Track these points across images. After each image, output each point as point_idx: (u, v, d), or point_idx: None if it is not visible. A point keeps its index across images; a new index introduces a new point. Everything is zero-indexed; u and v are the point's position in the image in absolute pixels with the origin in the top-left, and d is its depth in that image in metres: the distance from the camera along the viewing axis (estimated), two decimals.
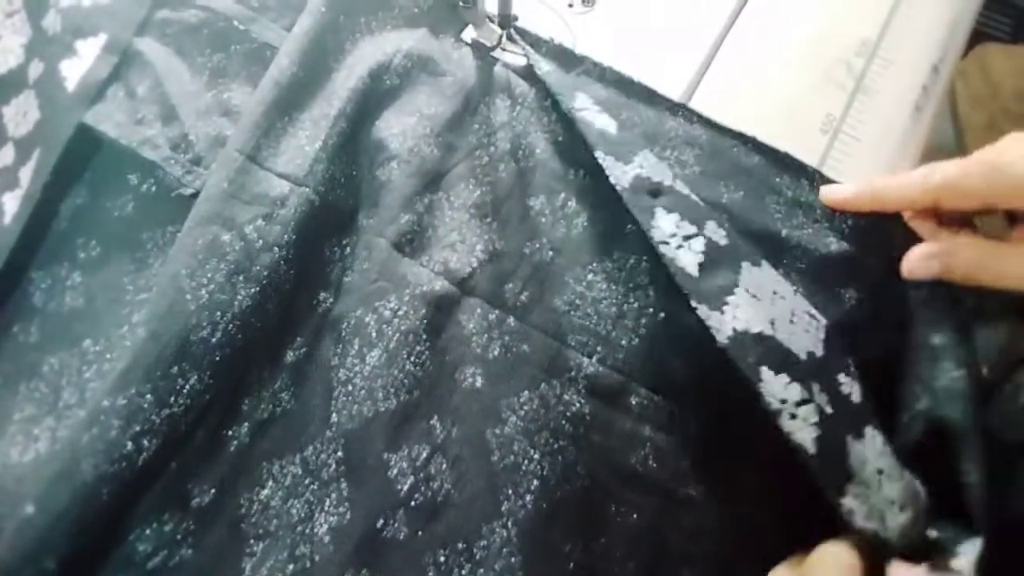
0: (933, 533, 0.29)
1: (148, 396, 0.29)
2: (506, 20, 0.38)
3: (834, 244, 0.36)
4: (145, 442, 0.29)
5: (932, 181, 0.33)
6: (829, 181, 0.37)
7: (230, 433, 0.32)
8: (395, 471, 0.32)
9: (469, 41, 0.40)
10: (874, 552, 0.28)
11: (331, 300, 0.35)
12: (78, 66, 0.36)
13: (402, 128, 0.37)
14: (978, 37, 1.08)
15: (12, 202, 0.35)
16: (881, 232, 0.35)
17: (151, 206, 0.36)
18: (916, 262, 0.34)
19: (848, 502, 0.28)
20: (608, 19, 0.43)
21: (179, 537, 0.31)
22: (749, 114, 0.39)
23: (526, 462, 0.31)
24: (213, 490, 0.31)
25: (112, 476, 0.29)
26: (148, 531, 0.30)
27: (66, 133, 0.35)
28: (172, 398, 0.30)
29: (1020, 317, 0.48)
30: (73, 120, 0.35)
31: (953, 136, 0.85)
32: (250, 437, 0.32)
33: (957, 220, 0.34)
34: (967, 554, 0.28)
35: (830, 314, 0.35)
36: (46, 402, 0.33)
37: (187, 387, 0.30)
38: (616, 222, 0.35)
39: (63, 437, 0.31)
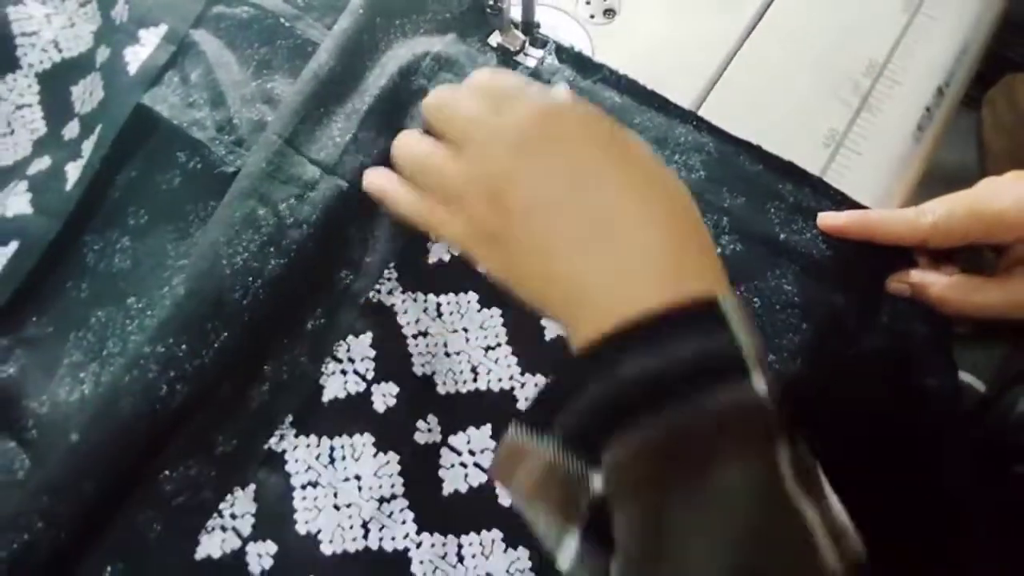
0: None
1: (184, 347, 0.32)
2: (529, 27, 0.41)
3: (828, 250, 0.38)
4: (178, 387, 0.32)
5: (922, 224, 0.36)
6: (831, 189, 0.39)
7: (253, 392, 0.35)
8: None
9: (495, 45, 0.43)
10: None
11: (352, 278, 0.38)
12: (140, 53, 0.40)
13: None
14: (1012, 66, 1.08)
15: (74, 171, 0.39)
16: (872, 242, 0.37)
17: (196, 181, 0.39)
18: (894, 284, 0.37)
19: None
20: (627, 31, 0.45)
21: (202, 481, 0.34)
22: (755, 125, 0.41)
23: None
24: (235, 441, 0.35)
25: (147, 415, 0.32)
26: (175, 473, 0.33)
27: (125, 112, 0.39)
28: (204, 351, 0.33)
29: (1015, 338, 0.50)
30: (132, 101, 0.39)
31: (977, 162, 0.85)
32: (270, 396, 0.36)
33: (943, 252, 0.36)
34: None
35: (820, 315, 0.37)
36: (92, 350, 0.36)
37: (218, 342, 0.33)
38: None
39: (106, 381, 0.35)
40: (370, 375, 0.36)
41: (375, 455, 0.34)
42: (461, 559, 0.32)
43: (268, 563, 0.33)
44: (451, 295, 0.37)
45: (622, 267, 0.27)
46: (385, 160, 0.39)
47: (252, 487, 0.34)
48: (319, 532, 0.33)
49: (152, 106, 0.39)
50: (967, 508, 0.36)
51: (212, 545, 0.33)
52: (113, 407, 0.32)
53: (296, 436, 0.35)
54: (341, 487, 0.34)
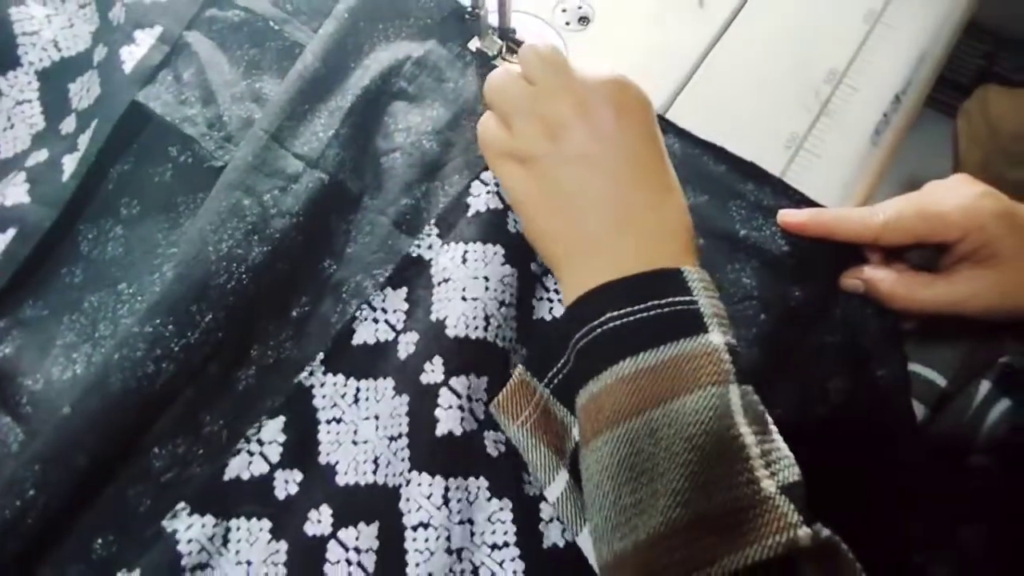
0: None
1: (170, 327, 0.34)
2: (506, 33, 0.44)
3: (785, 246, 0.40)
4: (164, 365, 0.34)
5: (873, 222, 0.38)
6: (790, 189, 0.41)
7: (239, 374, 0.37)
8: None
9: (473, 50, 0.45)
10: None
11: (335, 267, 0.40)
12: (135, 52, 0.42)
13: (407, 124, 0.42)
14: (998, 81, 1.11)
15: (71, 163, 0.41)
16: (828, 240, 0.39)
17: (186, 174, 0.42)
18: (847, 280, 0.39)
19: None
20: (600, 37, 0.48)
21: (190, 459, 0.36)
22: (721, 128, 0.43)
23: None
24: (221, 421, 0.36)
25: (135, 391, 0.34)
26: (164, 450, 0.35)
27: (121, 109, 0.41)
28: (189, 331, 0.35)
29: (976, 336, 0.52)
30: (127, 98, 0.41)
31: (951, 172, 0.88)
32: (256, 379, 0.37)
33: (895, 250, 0.39)
34: None
35: (778, 308, 0.39)
36: (85, 332, 0.38)
37: (203, 323, 0.35)
38: None
39: (97, 361, 0.37)
40: (399, 325, 0.38)
41: (393, 398, 0.36)
42: (446, 502, 0.33)
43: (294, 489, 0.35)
44: (479, 244, 0.37)
45: (618, 240, 0.32)
46: (365, 154, 0.41)
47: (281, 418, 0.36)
48: (337, 463, 0.36)
49: (146, 103, 0.41)
50: (918, 490, 0.38)
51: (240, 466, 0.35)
52: (103, 383, 0.33)
53: (324, 374, 0.37)
54: (361, 424, 0.36)
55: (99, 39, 0.43)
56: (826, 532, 0.27)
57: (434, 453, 0.34)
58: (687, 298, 0.30)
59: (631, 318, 0.29)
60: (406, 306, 0.38)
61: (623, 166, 0.33)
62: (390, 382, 0.37)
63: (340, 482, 0.35)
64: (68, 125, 0.43)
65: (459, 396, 0.34)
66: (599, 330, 0.30)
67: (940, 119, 1.14)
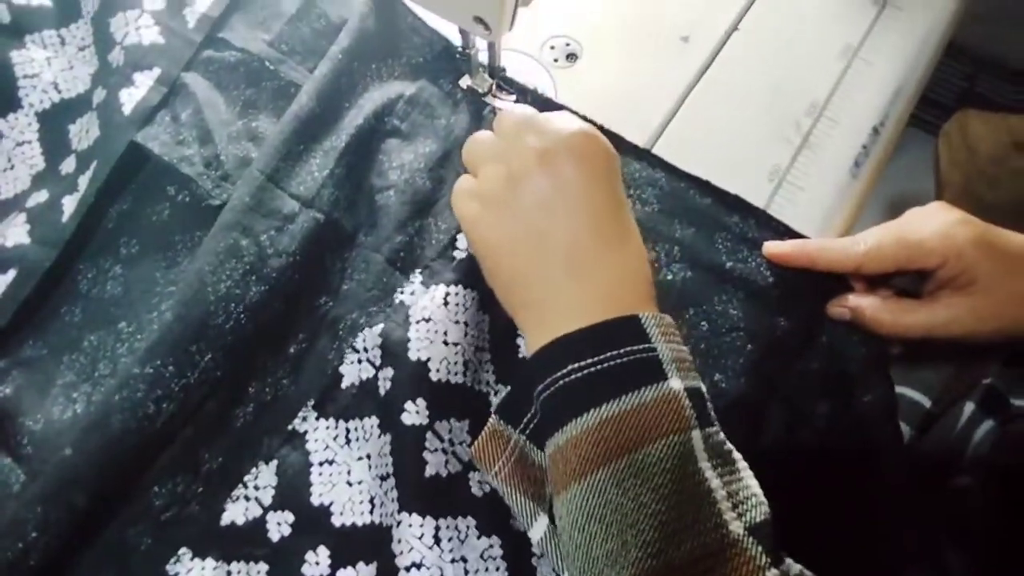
0: None
1: (170, 367, 0.35)
2: (495, 71, 0.45)
3: (771, 277, 0.41)
4: (164, 405, 0.35)
5: (855, 251, 0.39)
6: (774, 221, 0.43)
7: (237, 411, 0.38)
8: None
9: (464, 88, 0.46)
10: None
11: (331, 303, 0.40)
12: (134, 94, 0.43)
13: (400, 162, 0.43)
14: (980, 102, 1.13)
15: (70, 204, 0.41)
16: (813, 270, 0.41)
17: (184, 214, 0.42)
18: (833, 308, 0.40)
19: None
20: (587, 74, 0.49)
21: (188, 496, 0.36)
22: (705, 161, 0.44)
23: None
24: (220, 458, 0.37)
25: (136, 431, 0.34)
26: (163, 489, 0.36)
27: (120, 149, 0.42)
28: (189, 371, 0.35)
29: (961, 358, 0.53)
30: (126, 139, 0.42)
31: (934, 194, 0.90)
32: (254, 416, 0.38)
33: (878, 278, 0.40)
34: None
35: (764, 337, 0.40)
36: (84, 371, 0.39)
37: (202, 363, 0.36)
38: None
39: (97, 400, 0.37)
40: (377, 361, 0.38)
41: (379, 436, 0.37)
42: (438, 541, 0.34)
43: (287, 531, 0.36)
44: (460, 287, 0.39)
45: (577, 289, 0.32)
46: (359, 192, 0.42)
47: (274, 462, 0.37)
48: (331, 504, 0.36)
49: (144, 143, 0.42)
50: (905, 512, 0.39)
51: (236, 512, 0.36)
52: (104, 423, 0.34)
53: (317, 419, 0.38)
54: (355, 465, 0.37)
55: (98, 81, 0.44)
56: (796, 569, 0.28)
57: (423, 494, 0.34)
58: (645, 346, 0.30)
59: (592, 369, 0.30)
60: (380, 340, 0.38)
61: (582, 215, 0.33)
62: (375, 420, 0.37)
63: (336, 523, 0.36)
64: (68, 166, 0.43)
65: (442, 440, 0.35)
66: (561, 382, 0.30)
67: (924, 138, 1.16)
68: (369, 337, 0.39)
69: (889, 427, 0.40)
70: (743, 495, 0.29)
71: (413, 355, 0.36)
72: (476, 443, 0.34)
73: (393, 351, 0.37)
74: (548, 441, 0.31)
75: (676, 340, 0.32)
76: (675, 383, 0.30)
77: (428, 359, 0.36)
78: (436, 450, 0.35)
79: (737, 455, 0.30)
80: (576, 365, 0.30)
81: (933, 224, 0.38)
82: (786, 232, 0.42)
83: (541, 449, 0.32)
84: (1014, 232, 0.38)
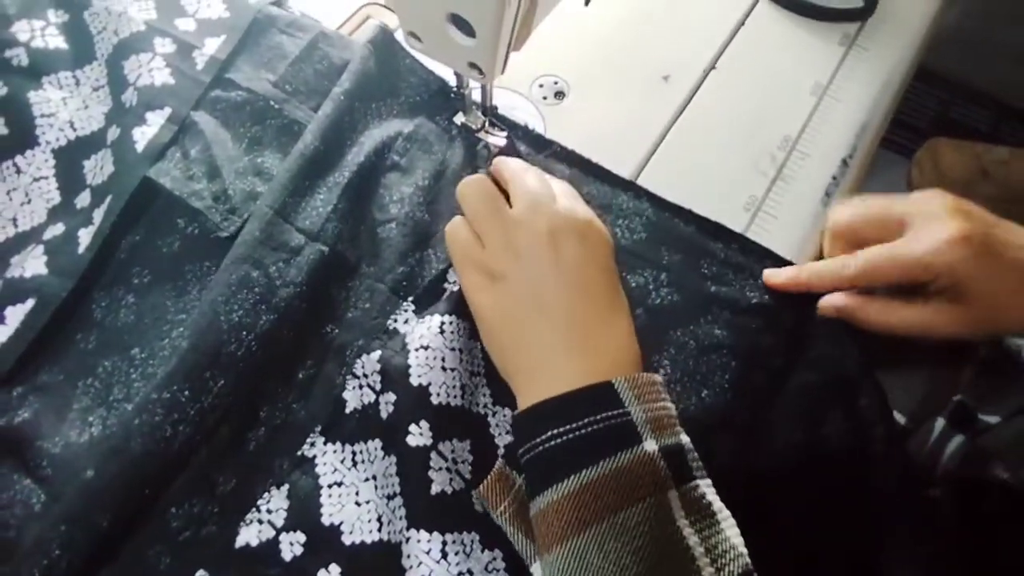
0: None
1: (186, 392, 0.37)
2: (488, 109, 0.48)
3: (756, 298, 0.43)
4: (181, 428, 0.37)
5: (848, 272, 0.41)
6: (755, 245, 0.45)
7: (249, 435, 0.40)
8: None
9: (459, 124, 0.49)
10: None
11: (337, 331, 0.43)
12: (147, 132, 0.45)
13: (400, 196, 0.46)
14: (958, 129, 1.18)
15: (86, 236, 0.43)
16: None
17: (193, 245, 0.44)
18: (822, 306, 0.42)
19: None
20: (575, 111, 0.52)
21: (204, 517, 0.38)
22: (687, 192, 0.47)
23: None
24: (234, 480, 0.39)
25: (155, 454, 0.36)
26: (180, 510, 0.37)
27: (133, 184, 0.44)
28: (204, 396, 0.37)
29: (936, 365, 0.55)
30: (139, 174, 0.44)
31: None
32: (266, 439, 0.40)
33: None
34: None
35: (748, 355, 0.42)
36: (99, 396, 0.41)
37: (216, 388, 0.38)
38: None
39: (113, 424, 0.39)
40: (377, 387, 0.40)
41: (383, 458, 0.39)
42: (445, 555, 0.35)
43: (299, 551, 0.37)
44: (454, 316, 0.40)
45: (566, 359, 0.35)
46: (361, 225, 0.45)
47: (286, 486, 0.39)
48: (341, 524, 0.38)
49: (156, 178, 0.44)
50: (892, 520, 0.41)
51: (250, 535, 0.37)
52: (125, 447, 0.36)
53: (325, 444, 0.40)
54: (362, 486, 0.39)
55: (112, 120, 0.47)
56: None
57: (430, 511, 0.36)
58: (620, 411, 0.32)
59: (570, 436, 0.31)
60: (379, 366, 0.40)
61: (579, 293, 0.36)
62: (378, 443, 0.39)
63: (347, 541, 0.38)
64: (83, 200, 0.45)
65: (446, 459, 0.37)
66: (541, 447, 0.32)
67: (899, 160, 1.21)
68: (368, 363, 0.41)
69: (883, 429, 0.41)
70: (721, 548, 0.30)
71: (415, 380, 0.38)
72: (483, 484, 0.36)
73: (394, 377, 0.39)
74: (532, 503, 0.32)
75: (653, 399, 0.33)
76: (649, 445, 0.31)
77: (429, 384, 0.38)
78: (441, 469, 0.37)
79: (717, 506, 0.32)
80: (555, 431, 0.32)
81: (927, 241, 0.38)
82: (766, 255, 0.45)
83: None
84: (1014, 231, 0.39)
